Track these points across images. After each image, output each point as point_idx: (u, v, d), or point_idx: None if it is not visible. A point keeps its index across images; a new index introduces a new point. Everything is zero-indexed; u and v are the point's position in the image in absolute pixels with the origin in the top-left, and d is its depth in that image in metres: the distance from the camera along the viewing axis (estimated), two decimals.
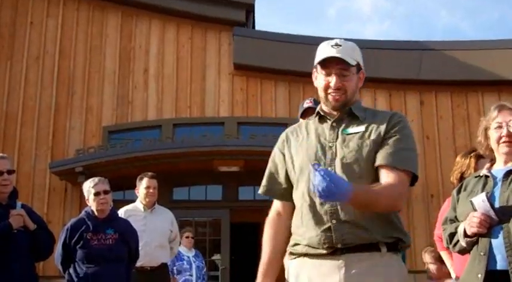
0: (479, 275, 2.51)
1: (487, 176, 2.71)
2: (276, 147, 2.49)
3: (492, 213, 2.52)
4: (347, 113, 2.34)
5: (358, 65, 2.33)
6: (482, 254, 2.54)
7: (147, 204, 5.64)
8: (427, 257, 5.46)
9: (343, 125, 2.32)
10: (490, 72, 11.22)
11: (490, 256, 2.52)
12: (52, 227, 5.14)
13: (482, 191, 2.61)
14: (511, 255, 2.47)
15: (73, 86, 11.62)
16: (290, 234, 2.38)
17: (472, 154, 3.74)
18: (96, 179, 4.65)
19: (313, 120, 2.43)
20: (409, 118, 10.95)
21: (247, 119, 11.56)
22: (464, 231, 2.61)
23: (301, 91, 11.19)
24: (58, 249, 4.51)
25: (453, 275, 3.89)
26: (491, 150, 2.78)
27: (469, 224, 2.56)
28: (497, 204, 2.56)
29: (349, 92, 2.31)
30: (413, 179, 2.28)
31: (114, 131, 11.49)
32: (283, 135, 2.48)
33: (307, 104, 3.95)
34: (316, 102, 3.70)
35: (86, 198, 4.64)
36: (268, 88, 11.66)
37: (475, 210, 2.56)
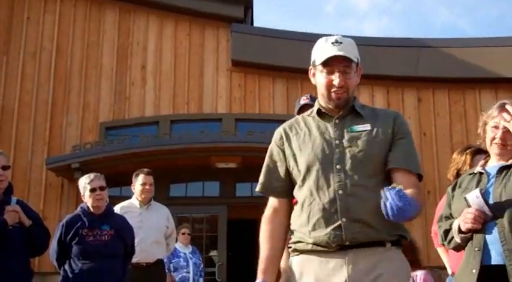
0: (474, 270, 2.52)
1: (481, 173, 2.74)
2: (273, 143, 2.45)
3: (486, 209, 2.53)
4: (349, 110, 2.35)
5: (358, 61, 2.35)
6: (476, 249, 2.55)
7: (143, 201, 5.63)
8: None
9: (348, 123, 2.33)
10: (487, 70, 11.22)
11: (485, 251, 2.54)
12: (48, 223, 5.12)
13: (476, 188, 2.62)
14: (507, 249, 2.48)
15: (70, 82, 11.58)
16: (287, 231, 2.38)
17: (468, 151, 3.75)
18: (92, 175, 4.64)
19: (312, 117, 2.41)
20: (406, 115, 11.01)
21: (245, 115, 11.51)
22: (459, 228, 2.61)
23: (299, 88, 11.15)
24: (53, 245, 4.49)
25: (449, 271, 3.90)
26: None
27: (464, 220, 2.57)
28: (491, 200, 2.57)
29: (350, 90, 2.33)
30: None
31: (111, 127, 11.45)
32: (280, 131, 2.45)
33: (303, 100, 3.95)
34: (313, 98, 3.69)
35: (82, 194, 4.63)
36: (266, 85, 11.63)
37: (469, 206, 2.57)
